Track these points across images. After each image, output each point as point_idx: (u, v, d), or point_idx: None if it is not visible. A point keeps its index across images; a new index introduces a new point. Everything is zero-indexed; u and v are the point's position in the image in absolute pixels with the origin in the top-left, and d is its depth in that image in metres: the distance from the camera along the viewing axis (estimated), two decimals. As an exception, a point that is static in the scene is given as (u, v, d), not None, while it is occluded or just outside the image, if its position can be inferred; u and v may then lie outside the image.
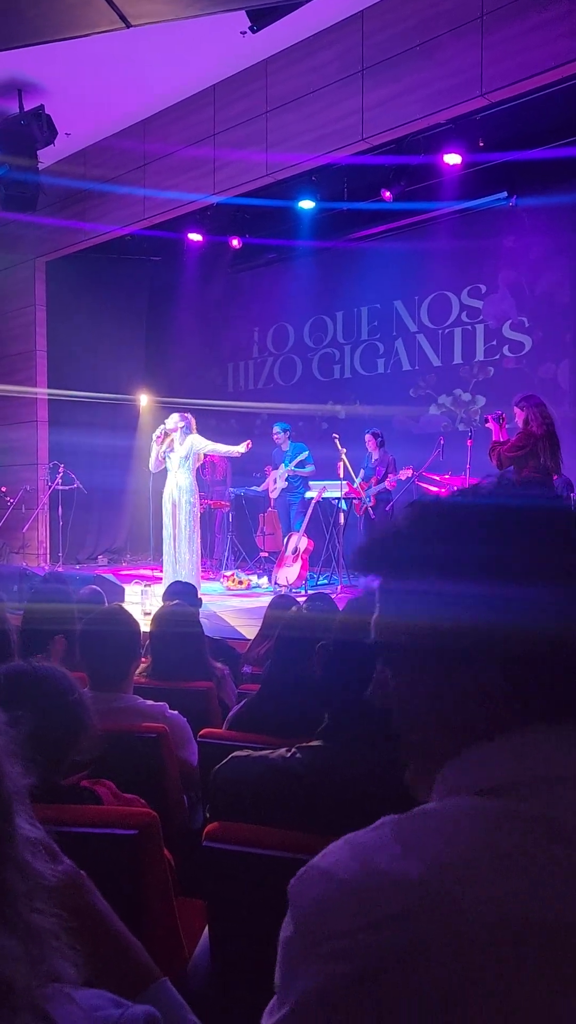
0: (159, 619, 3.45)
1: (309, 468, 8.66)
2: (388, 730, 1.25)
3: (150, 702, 2.40)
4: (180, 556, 7.31)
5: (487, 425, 6.44)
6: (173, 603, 3.77)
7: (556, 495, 0.74)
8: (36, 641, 3.63)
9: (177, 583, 4.44)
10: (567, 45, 5.83)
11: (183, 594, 4.01)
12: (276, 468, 8.84)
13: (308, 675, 2.25)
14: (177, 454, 7.32)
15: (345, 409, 9.80)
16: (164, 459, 7.44)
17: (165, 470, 7.52)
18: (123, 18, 2.28)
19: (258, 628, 6.11)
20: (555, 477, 6.23)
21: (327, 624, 2.38)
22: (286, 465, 8.67)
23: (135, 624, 2.50)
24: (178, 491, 7.34)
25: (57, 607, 4.50)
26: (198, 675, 3.19)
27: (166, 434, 7.35)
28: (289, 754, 1.45)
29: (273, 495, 8.90)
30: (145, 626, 3.60)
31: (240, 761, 1.48)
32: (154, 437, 7.44)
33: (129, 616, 2.52)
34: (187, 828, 2.31)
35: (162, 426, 7.41)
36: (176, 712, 2.41)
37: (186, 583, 4.42)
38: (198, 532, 7.45)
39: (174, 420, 7.35)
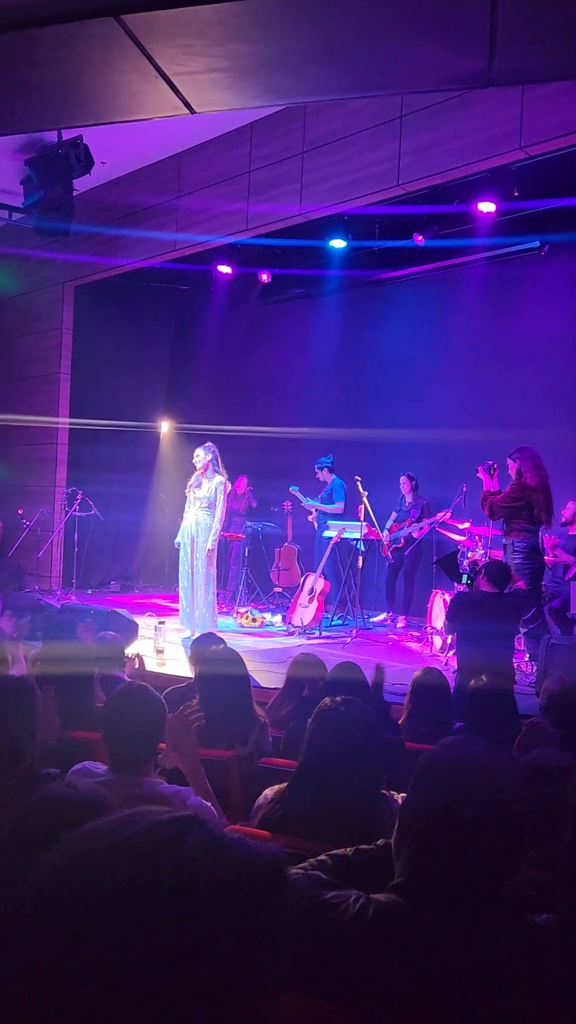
0: (206, 661, 3.45)
1: (337, 504, 8.60)
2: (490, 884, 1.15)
3: (172, 788, 2.35)
4: (196, 595, 7.29)
5: (478, 475, 6.48)
6: (220, 647, 3.77)
7: None
8: (52, 680, 3.63)
9: (209, 635, 4.41)
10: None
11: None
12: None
13: (348, 767, 2.20)
14: (197, 495, 7.31)
15: (370, 439, 9.75)
16: (188, 491, 7.45)
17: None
18: (188, 106, 2.30)
19: (269, 670, 6.12)
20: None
21: (364, 721, 2.35)
22: (313, 500, 8.64)
23: (161, 707, 2.47)
24: (196, 527, 7.30)
25: (72, 648, 4.50)
26: (243, 721, 3.19)
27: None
28: (357, 906, 1.26)
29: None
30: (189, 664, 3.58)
31: (296, 905, 1.27)
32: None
33: (154, 697, 2.48)
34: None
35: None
36: (199, 800, 2.37)
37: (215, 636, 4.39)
38: (214, 573, 7.42)
39: (199, 456, 7.34)
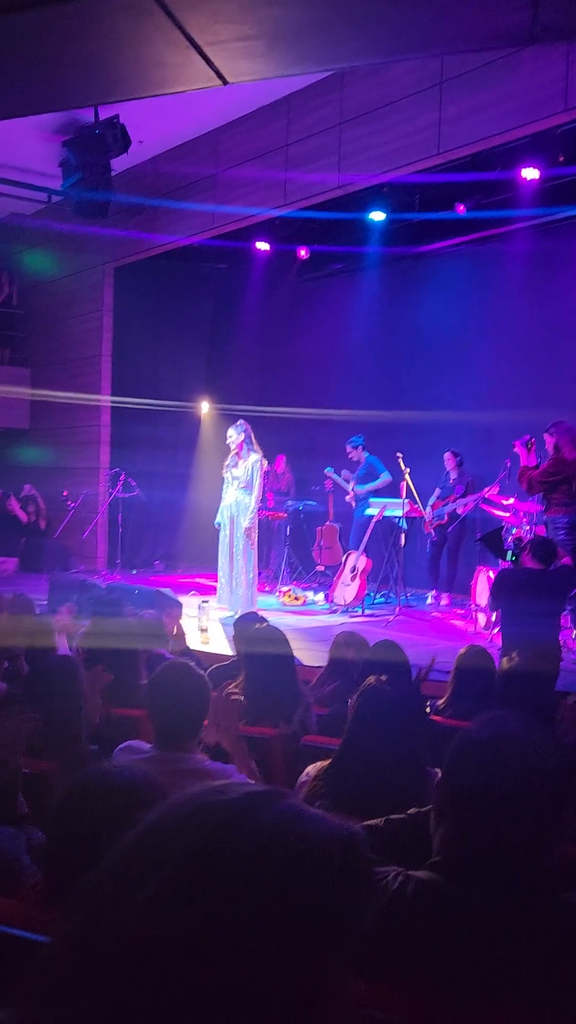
0: (250, 640, 3.47)
1: (383, 477, 8.47)
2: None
3: (217, 764, 2.37)
4: (237, 574, 7.33)
5: (515, 450, 6.39)
6: (263, 624, 3.78)
7: None
8: (99, 659, 3.68)
9: (252, 614, 4.44)
10: None
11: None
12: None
13: (391, 744, 2.20)
14: (235, 475, 7.33)
15: (412, 418, 9.63)
16: (225, 471, 7.47)
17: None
18: (220, 76, 2.26)
19: (312, 648, 6.12)
20: None
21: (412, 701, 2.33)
22: (359, 485, 8.55)
23: (204, 683, 2.48)
24: (235, 507, 7.33)
25: (119, 625, 4.55)
26: (287, 700, 3.19)
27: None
28: (396, 883, 1.25)
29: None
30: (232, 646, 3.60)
31: None
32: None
33: (197, 674, 2.49)
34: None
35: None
36: (243, 777, 2.38)
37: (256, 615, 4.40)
38: (255, 552, 7.44)
39: (232, 436, 7.35)
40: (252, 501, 7.26)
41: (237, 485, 7.30)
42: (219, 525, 7.50)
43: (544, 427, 6.49)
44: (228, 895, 0.59)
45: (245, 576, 7.32)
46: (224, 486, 7.51)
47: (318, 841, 0.64)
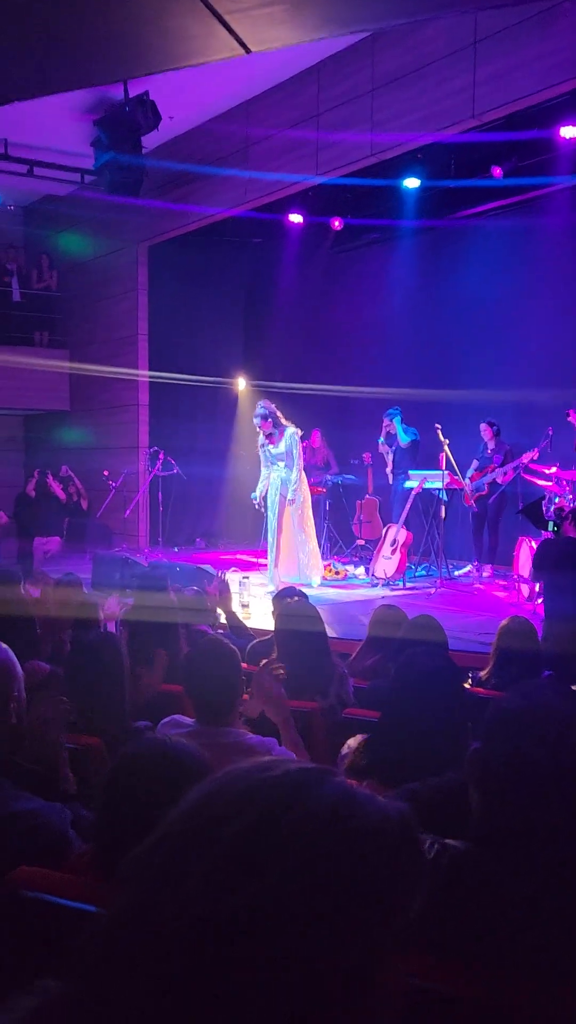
0: (284, 615, 3.49)
1: (406, 440, 8.47)
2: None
3: (257, 738, 2.39)
4: (298, 545, 7.49)
5: (569, 419, 6.29)
6: (295, 600, 3.80)
7: None
8: (142, 636, 3.72)
9: (289, 588, 4.46)
10: None
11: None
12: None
13: (431, 716, 2.20)
14: (274, 453, 7.37)
15: (448, 393, 9.53)
16: (262, 452, 7.51)
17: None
18: (243, 45, 2.22)
19: (352, 621, 6.13)
20: None
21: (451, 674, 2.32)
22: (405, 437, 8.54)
23: (234, 657, 2.50)
24: (282, 484, 7.40)
25: (162, 601, 4.60)
26: (321, 674, 3.21)
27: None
28: (432, 853, 1.25)
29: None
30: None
31: None
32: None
33: (228, 649, 2.51)
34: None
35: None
36: (283, 749, 2.40)
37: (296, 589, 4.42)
38: (311, 521, 7.65)
39: (256, 420, 7.40)
40: (295, 472, 7.31)
41: (280, 463, 7.36)
42: (254, 499, 7.54)
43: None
44: (287, 874, 0.59)
45: (307, 545, 7.43)
46: (262, 465, 7.56)
47: (374, 819, 0.64)
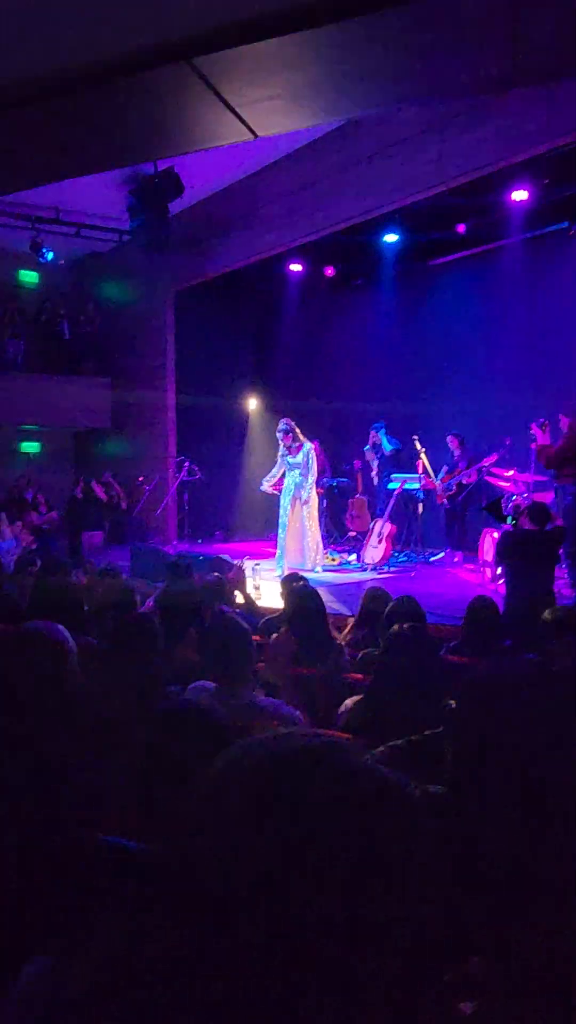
0: (290, 596, 3.50)
1: (389, 449, 8.53)
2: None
3: (268, 700, 2.39)
4: (306, 536, 7.56)
5: (531, 432, 6.25)
6: (300, 583, 3.81)
7: None
8: (172, 615, 3.73)
9: (294, 574, 4.48)
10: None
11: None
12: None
13: (414, 679, 2.20)
14: (292, 462, 7.45)
15: (425, 408, 9.44)
16: (281, 459, 7.58)
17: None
18: (251, 130, 2.22)
19: (346, 600, 6.13)
20: None
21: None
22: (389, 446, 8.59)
23: (243, 630, 2.50)
24: (296, 488, 7.48)
25: (188, 586, 4.62)
26: (322, 645, 3.21)
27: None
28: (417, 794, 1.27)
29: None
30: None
31: None
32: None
33: (238, 625, 2.52)
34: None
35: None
36: (290, 709, 2.40)
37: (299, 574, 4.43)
38: (316, 517, 7.76)
39: (279, 435, 7.45)
40: (309, 478, 7.45)
41: (295, 470, 7.46)
42: (262, 489, 7.74)
43: (537, 413, 6.35)
44: (314, 836, 0.54)
45: (312, 536, 7.53)
46: (278, 466, 7.64)
47: (387, 788, 0.59)
